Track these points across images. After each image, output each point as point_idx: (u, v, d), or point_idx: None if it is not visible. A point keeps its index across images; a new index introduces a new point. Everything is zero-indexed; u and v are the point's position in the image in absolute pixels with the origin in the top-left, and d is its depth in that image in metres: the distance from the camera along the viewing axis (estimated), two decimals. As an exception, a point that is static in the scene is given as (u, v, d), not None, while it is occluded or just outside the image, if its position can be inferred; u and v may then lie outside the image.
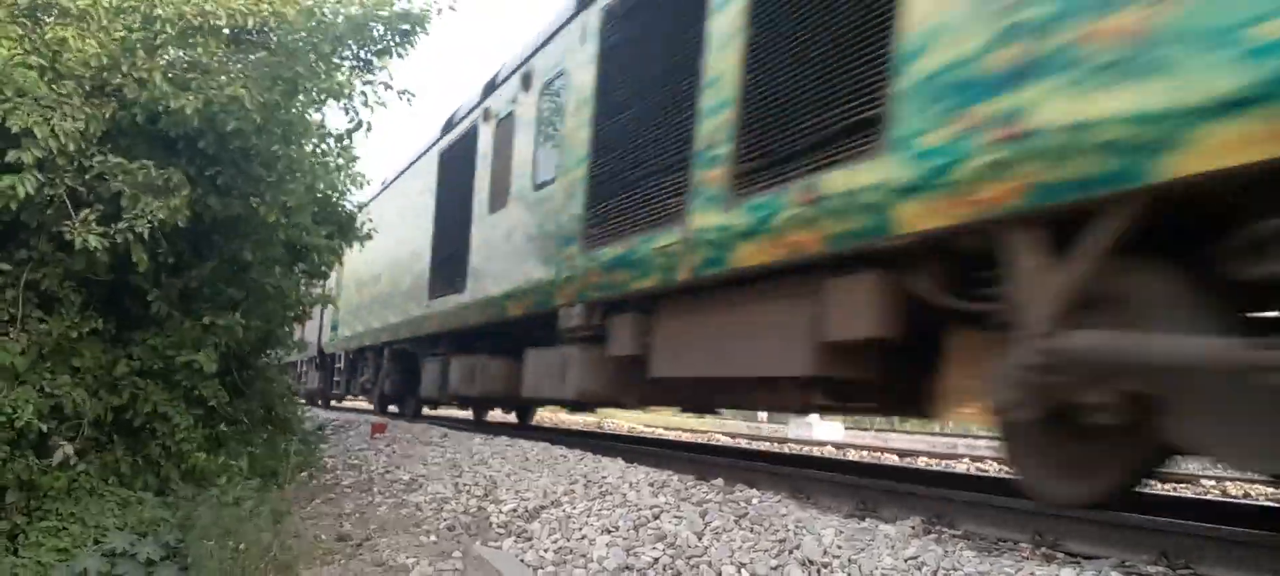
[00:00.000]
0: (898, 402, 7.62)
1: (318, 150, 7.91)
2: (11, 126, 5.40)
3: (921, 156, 5.30)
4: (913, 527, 5.61)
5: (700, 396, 9.73)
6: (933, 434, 37.61)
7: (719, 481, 7.24)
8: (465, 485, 9.44)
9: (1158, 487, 10.42)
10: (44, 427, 6.50)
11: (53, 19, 6.38)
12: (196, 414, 7.74)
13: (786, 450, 15.01)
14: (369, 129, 7.93)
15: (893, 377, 6.83)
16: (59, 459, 6.64)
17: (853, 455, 13.94)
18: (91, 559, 6.28)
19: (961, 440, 28.57)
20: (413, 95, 7.92)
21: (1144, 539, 5.11)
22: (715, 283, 7.60)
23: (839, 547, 4.97)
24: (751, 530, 5.60)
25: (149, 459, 7.50)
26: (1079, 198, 4.32)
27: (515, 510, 7.98)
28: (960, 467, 11.94)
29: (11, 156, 5.77)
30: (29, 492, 6.51)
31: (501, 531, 7.59)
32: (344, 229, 9.49)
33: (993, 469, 12.07)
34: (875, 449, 17.43)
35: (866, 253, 5.97)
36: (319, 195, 8.54)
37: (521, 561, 6.33)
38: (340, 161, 9.27)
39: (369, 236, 10.75)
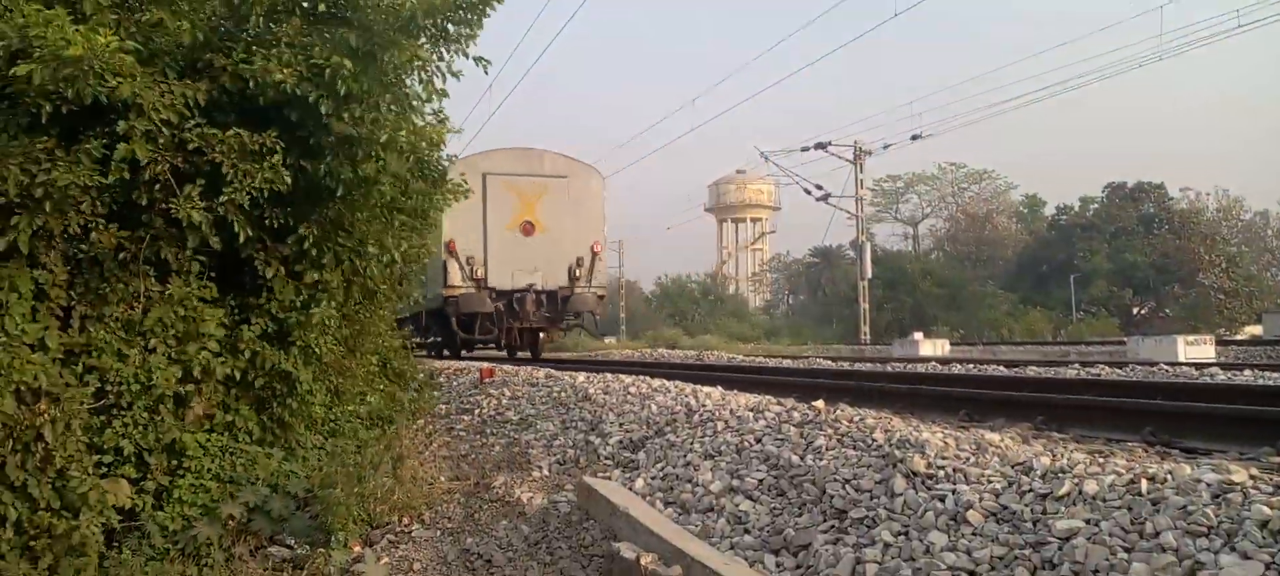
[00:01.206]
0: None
1: (408, 110, 8.02)
2: (120, 96, 5.67)
3: None
4: (1019, 434, 5.52)
5: None
6: (1042, 343, 36.74)
7: (820, 403, 7.23)
8: (572, 421, 9.67)
9: (1267, 377, 10.00)
10: (180, 392, 6.90)
11: (145, 1, 6.63)
12: (314, 369, 8.07)
13: (889, 369, 14.83)
14: (444, 96, 8.01)
15: None
16: (194, 417, 7.05)
17: (959, 370, 13.69)
18: (232, 506, 6.68)
19: (1073, 348, 27.84)
20: (488, 62, 7.95)
21: (1264, 432, 4.95)
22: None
23: (944, 459, 4.93)
24: (855, 447, 5.59)
25: (275, 417, 7.88)
26: None
27: (621, 442, 8.14)
28: (1069, 373, 11.63)
29: (122, 127, 6.08)
30: (169, 454, 6.93)
31: (609, 462, 7.77)
32: (437, 184, 9.65)
33: (1105, 371, 11.74)
34: (982, 361, 17.10)
35: None
36: (412, 153, 8.71)
37: (630, 489, 6.48)
38: (431, 121, 9.41)
39: (466, 193, 10.82)
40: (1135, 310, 58.61)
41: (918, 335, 31.64)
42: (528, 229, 18.44)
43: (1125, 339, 26.05)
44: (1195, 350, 18.79)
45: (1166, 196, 60.67)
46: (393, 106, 7.23)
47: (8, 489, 5.86)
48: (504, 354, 20.85)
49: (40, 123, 5.95)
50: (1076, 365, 13.71)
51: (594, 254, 20.13)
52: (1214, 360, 16.05)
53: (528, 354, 20.88)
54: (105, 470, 6.47)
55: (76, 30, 5.59)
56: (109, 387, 6.55)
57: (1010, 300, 56.41)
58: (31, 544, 6.00)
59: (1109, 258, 56.92)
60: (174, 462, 6.95)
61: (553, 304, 19.73)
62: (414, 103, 7.88)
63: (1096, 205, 61.81)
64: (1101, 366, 12.94)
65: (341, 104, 6.79)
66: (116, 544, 6.38)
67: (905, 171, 77.02)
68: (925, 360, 19.09)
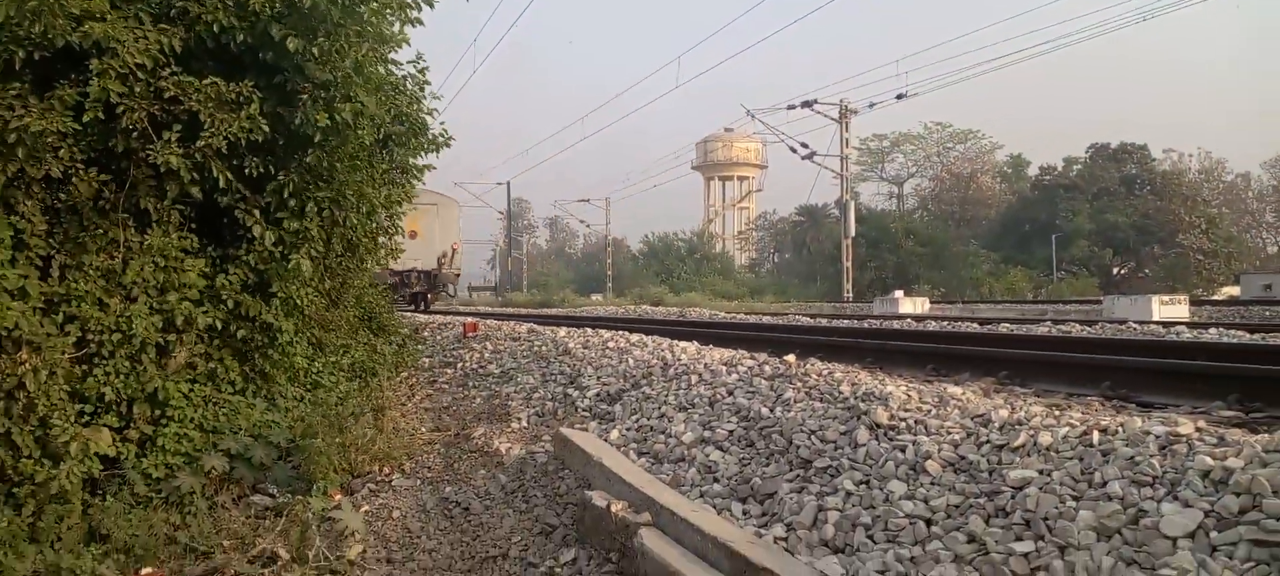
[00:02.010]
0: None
1: (380, 44, 7.96)
2: (90, 39, 5.61)
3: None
4: (982, 388, 5.62)
5: None
6: (1022, 302, 37.06)
7: (791, 357, 7.33)
8: (552, 374, 9.76)
9: (1231, 335, 10.15)
10: (161, 342, 6.93)
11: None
12: (296, 321, 8.12)
13: (865, 326, 14.97)
14: (419, 24, 7.95)
15: None
16: (176, 367, 7.10)
17: (933, 327, 13.84)
18: (214, 458, 6.74)
19: (1051, 306, 28.10)
20: None
21: (1218, 387, 5.06)
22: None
23: (906, 411, 5.03)
24: (822, 399, 5.68)
25: (257, 368, 7.93)
26: None
27: (598, 395, 8.24)
28: (1040, 331, 11.78)
29: (95, 66, 6.05)
30: (152, 403, 6.98)
31: (587, 414, 7.86)
32: (417, 134, 9.64)
33: (1076, 330, 11.89)
34: (959, 319, 17.26)
35: None
36: (391, 105, 8.70)
37: (606, 440, 6.58)
38: (410, 71, 9.38)
39: (446, 143, 10.76)
40: (1115, 270, 59.05)
41: (898, 293, 31.83)
42: (413, 234, 25.25)
43: (1103, 298, 26.29)
44: (1169, 310, 19.00)
45: (1149, 157, 60.94)
46: (360, 35, 7.15)
47: (-10, 437, 5.90)
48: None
49: (14, 69, 5.91)
50: (1049, 323, 13.87)
51: (454, 250, 31.61)
52: (1186, 319, 16.26)
53: (421, 305, 31.02)
54: (88, 419, 6.52)
55: None
56: (91, 337, 6.58)
57: (992, 259, 56.72)
58: (15, 492, 6.06)
59: (1090, 217, 57.23)
60: (156, 412, 7.00)
61: (426, 279, 30.88)
62: (389, 40, 7.79)
63: (1080, 166, 62.03)
64: (1073, 324, 13.10)
65: (310, 38, 6.73)
66: (100, 492, 6.45)
67: (891, 131, 77.02)
68: (903, 317, 19.23)
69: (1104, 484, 3.61)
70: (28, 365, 5.94)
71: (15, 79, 5.98)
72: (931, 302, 31.27)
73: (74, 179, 6.39)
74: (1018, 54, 68.94)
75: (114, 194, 6.68)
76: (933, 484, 4.17)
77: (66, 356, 6.31)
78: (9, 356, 5.88)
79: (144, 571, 5.40)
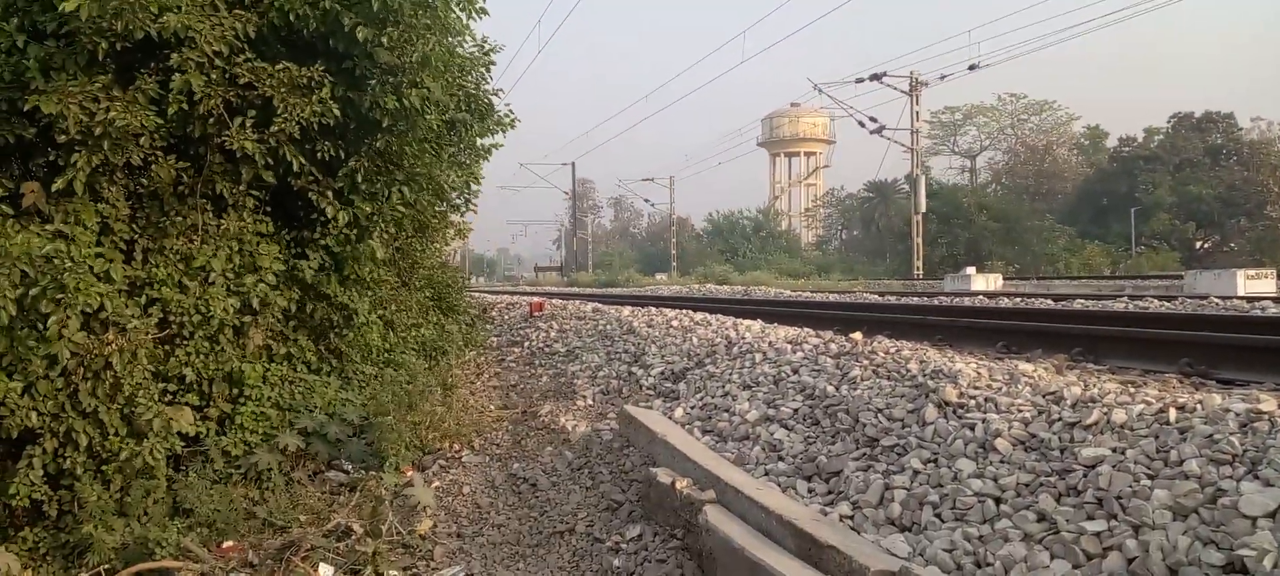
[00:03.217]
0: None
1: (446, 34, 8.06)
2: (169, 29, 5.78)
3: None
4: (1054, 365, 5.51)
5: None
6: (1099, 277, 36.02)
7: (858, 335, 7.26)
8: (616, 353, 9.83)
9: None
10: (238, 323, 7.16)
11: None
12: (369, 301, 8.30)
13: (935, 303, 14.73)
14: (485, 14, 8.04)
15: None
16: (253, 347, 7.31)
17: (1006, 304, 13.56)
18: (290, 436, 6.95)
19: (1130, 282, 27.28)
20: None
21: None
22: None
23: (976, 388, 4.95)
24: (889, 377, 5.63)
25: (331, 348, 8.13)
26: None
27: (662, 373, 8.28)
28: (1116, 307, 11.46)
29: (175, 60, 6.24)
30: (230, 382, 7.22)
31: (650, 392, 7.91)
32: (484, 116, 9.74)
33: (1154, 305, 11.54)
34: (1032, 295, 16.88)
35: None
36: (458, 84, 8.79)
37: (670, 418, 6.61)
38: (474, 52, 9.47)
39: (511, 125, 10.82)
40: (1198, 244, 56.99)
41: (970, 270, 31.25)
42: None
43: (1184, 273, 25.43)
44: (1255, 284, 18.29)
45: (1235, 126, 58.50)
46: (429, 28, 7.25)
47: (80, 415, 6.17)
48: None
49: (97, 60, 6.11)
50: (1126, 298, 13.49)
51: None
52: (1273, 294, 15.65)
53: None
54: (170, 398, 6.76)
55: None
56: (171, 318, 6.81)
57: (1068, 234, 55.18)
58: (103, 468, 6.33)
59: (1172, 190, 55.29)
60: (234, 391, 7.22)
61: None
62: (454, 27, 7.87)
63: (1161, 136, 59.90)
64: (1151, 300, 12.72)
65: (380, 27, 6.85)
66: (183, 468, 6.70)
67: (963, 103, 75.23)
68: (974, 294, 18.88)
69: (1181, 462, 3.53)
70: (114, 346, 6.18)
71: (99, 70, 6.19)
72: (1005, 279, 30.63)
73: (154, 166, 6.61)
74: (1096, 21, 66.65)
75: (191, 179, 6.90)
76: (1002, 462, 4.11)
77: (150, 337, 6.54)
78: (96, 337, 6.12)
79: (225, 544, 5.60)
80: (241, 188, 7.03)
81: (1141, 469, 3.59)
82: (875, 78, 40.85)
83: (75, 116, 5.82)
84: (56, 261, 5.70)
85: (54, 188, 6.10)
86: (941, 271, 40.24)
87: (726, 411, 6.37)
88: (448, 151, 9.21)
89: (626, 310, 12.75)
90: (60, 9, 5.44)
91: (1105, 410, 4.14)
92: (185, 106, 6.32)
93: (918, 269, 40.43)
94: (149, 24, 5.46)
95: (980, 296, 17.44)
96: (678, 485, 4.88)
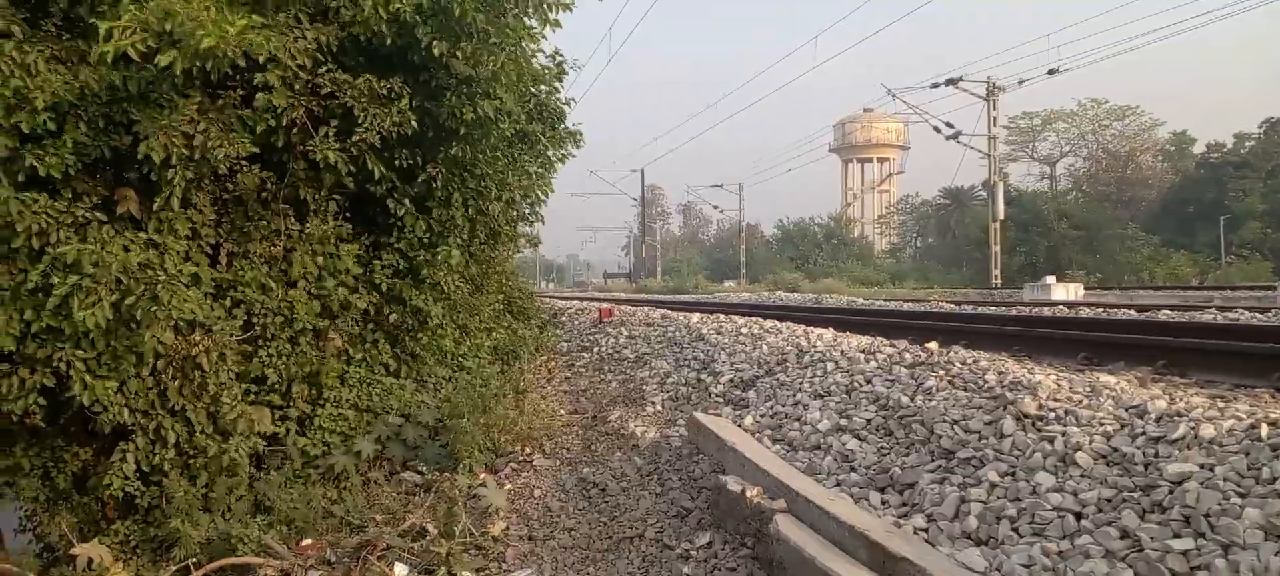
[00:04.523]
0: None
1: (520, 44, 8.17)
2: (257, 54, 5.96)
3: None
4: (1137, 377, 5.36)
5: None
6: (1185, 288, 34.83)
7: (933, 345, 7.16)
8: (685, 360, 9.84)
9: None
10: (318, 326, 7.36)
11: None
12: (444, 305, 8.46)
13: (1013, 313, 14.42)
14: (558, 27, 8.12)
15: None
16: (333, 350, 7.52)
17: (1086, 314, 13.21)
18: (365, 442, 7.10)
19: (1218, 293, 26.33)
20: None
21: None
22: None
23: (1056, 400, 4.85)
24: (966, 388, 5.55)
25: (407, 351, 8.31)
26: None
27: (731, 381, 8.26)
28: (1204, 319, 11.07)
29: (258, 79, 6.45)
30: (310, 384, 7.42)
31: (720, 400, 7.90)
32: (555, 125, 9.86)
33: (1244, 317, 11.13)
34: (1115, 306, 16.42)
35: None
36: (530, 93, 8.92)
37: (739, 426, 6.60)
38: (547, 64, 9.59)
39: (577, 139, 10.86)
40: (1292, 254, 54.74)
41: (1050, 279, 30.49)
42: None
43: (1277, 284, 24.43)
44: (1355, 296, 17.51)
45: (1332, 132, 56.12)
46: (503, 42, 7.34)
47: (168, 414, 6.41)
48: None
49: (190, 78, 6.31)
50: (1215, 310, 13.03)
51: None
52: (1375, 307, 14.95)
53: None
54: (253, 397, 6.97)
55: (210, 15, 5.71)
56: (255, 320, 7.03)
57: (1152, 243, 53.48)
58: (190, 464, 6.56)
59: (1264, 197, 53.23)
60: (314, 392, 7.41)
61: None
62: (528, 32, 7.94)
63: (1252, 142, 57.72)
64: (1241, 311, 12.26)
65: (454, 41, 6.97)
66: (264, 467, 6.91)
67: (1042, 108, 73.44)
68: (1054, 304, 18.43)
69: (1273, 480, 3.41)
70: (200, 346, 6.39)
71: (189, 86, 6.37)
72: (1086, 289, 29.82)
73: (238, 174, 6.82)
74: (1181, 23, 64.42)
75: (275, 186, 7.12)
76: (1083, 477, 4.02)
77: (234, 338, 6.75)
78: (184, 337, 6.34)
79: (304, 542, 5.74)
80: (323, 193, 7.24)
81: (1231, 486, 3.48)
82: (951, 82, 40.15)
83: (178, 150, 6.01)
84: (150, 272, 5.91)
85: (155, 206, 6.32)
86: (1020, 280, 39.33)
87: (797, 420, 6.33)
88: (520, 161, 9.34)
89: (695, 317, 12.76)
90: (157, 63, 5.61)
91: (1192, 425, 4.02)
92: (272, 124, 6.51)
93: (995, 277, 39.61)
94: (239, 57, 5.60)
95: (1060, 306, 17.01)
96: (748, 493, 4.87)
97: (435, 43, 6.81)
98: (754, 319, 11.47)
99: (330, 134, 6.76)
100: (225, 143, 6.12)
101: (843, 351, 7.59)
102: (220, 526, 6.07)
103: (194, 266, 6.53)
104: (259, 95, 6.41)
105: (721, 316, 12.44)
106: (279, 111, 6.49)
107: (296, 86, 6.57)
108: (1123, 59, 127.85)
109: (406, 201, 7.56)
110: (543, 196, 9.76)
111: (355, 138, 6.75)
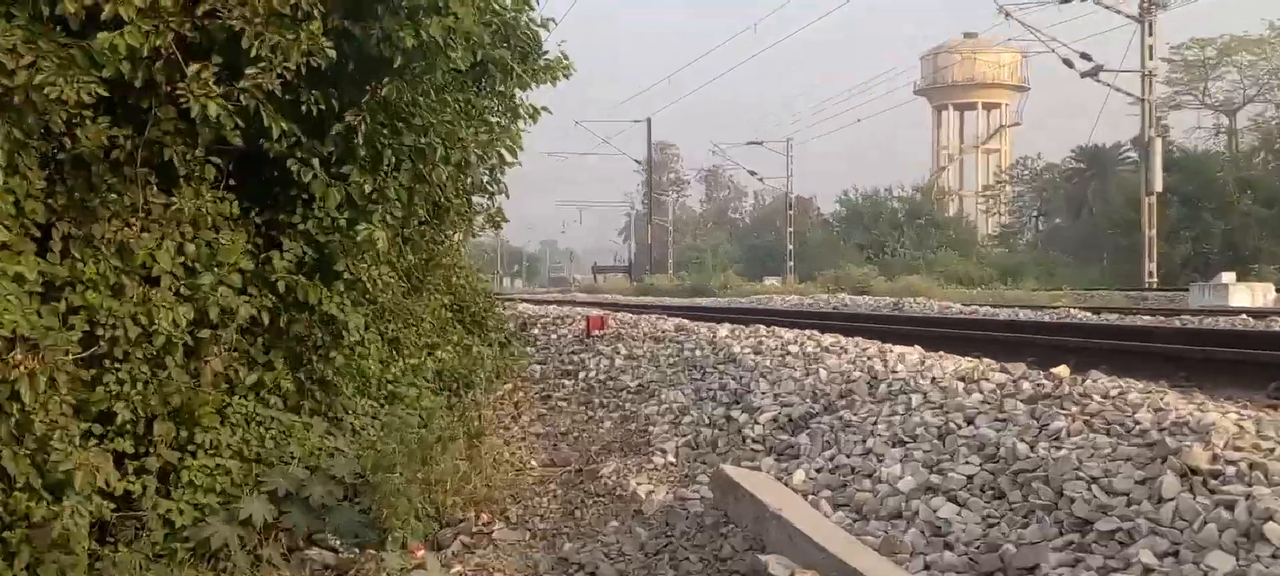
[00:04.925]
0: None
1: None
2: None
3: None
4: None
5: None
6: None
7: (1063, 369, 7.19)
8: (708, 390, 9.88)
9: None
10: (188, 341, 7.33)
11: None
12: (367, 312, 8.44)
13: (1175, 325, 14.45)
14: None
15: None
16: (210, 375, 7.51)
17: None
18: (256, 503, 7.09)
19: None
20: None
21: None
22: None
23: (1236, 450, 4.88)
24: (1108, 433, 5.58)
25: (315, 376, 8.29)
26: None
27: (775, 420, 8.29)
28: None
29: (108, 11, 6.38)
30: (178, 421, 7.40)
31: (758, 447, 7.93)
32: (527, 56, 9.79)
33: None
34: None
35: None
36: (492, 10, 8.85)
37: (786, 484, 6.62)
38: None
39: (566, 73, 10.75)
40: None
41: (1227, 277, 30.50)
42: None
43: None
44: None
45: None
46: None
47: (-28, 462, 6.36)
48: None
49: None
50: None
51: None
52: None
53: None
54: (96, 441, 6.93)
55: None
56: (100, 332, 6.97)
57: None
58: (3, 536, 6.44)
59: None
60: (183, 433, 7.39)
61: None
62: None
63: None
64: None
65: None
66: (111, 539, 6.87)
67: (1219, 33, 73.40)
68: (1235, 313, 18.46)
69: None
70: (22, 368, 6.34)
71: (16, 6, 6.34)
72: (1278, 291, 29.83)
73: (79, 128, 6.72)
74: None
75: (131, 143, 7.04)
76: (1274, 557, 4.04)
77: (70, 358, 6.70)
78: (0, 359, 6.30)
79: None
80: (198, 153, 7.18)
81: None
82: (1088, -4, 40.18)
83: None
84: None
85: None
86: (1185, 278, 39.37)
87: (868, 476, 6.37)
88: (478, 106, 9.32)
89: (723, 329, 12.80)
90: None
91: None
92: (124, 70, 6.41)
93: (1150, 274, 39.62)
94: None
95: (1243, 316, 17.04)
96: (799, 580, 4.90)
97: None
98: (807, 332, 11.49)
99: (208, 75, 6.66)
100: (62, 83, 6.10)
101: (934, 379, 7.63)
102: (47, 624, 6.06)
103: (14, 255, 6.49)
104: (102, 34, 6.31)
105: (761, 328, 12.47)
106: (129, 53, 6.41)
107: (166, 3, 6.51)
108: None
109: (315, 163, 7.49)
110: (509, 157, 9.73)
111: (245, 83, 6.68)
